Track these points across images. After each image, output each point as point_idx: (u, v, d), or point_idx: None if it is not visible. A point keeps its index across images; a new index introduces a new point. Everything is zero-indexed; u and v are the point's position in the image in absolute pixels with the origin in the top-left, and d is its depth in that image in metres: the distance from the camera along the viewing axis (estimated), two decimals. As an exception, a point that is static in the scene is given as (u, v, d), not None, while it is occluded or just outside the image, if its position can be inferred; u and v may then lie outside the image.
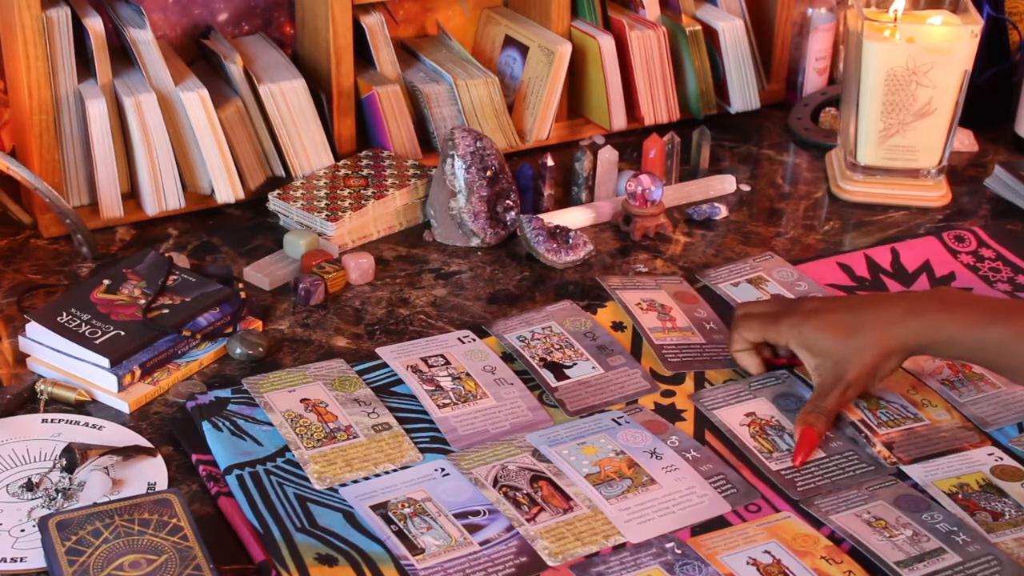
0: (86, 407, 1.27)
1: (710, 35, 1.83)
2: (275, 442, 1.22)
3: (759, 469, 1.21)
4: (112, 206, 1.54)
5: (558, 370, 1.33)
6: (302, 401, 1.26)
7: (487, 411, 1.27)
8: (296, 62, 1.68)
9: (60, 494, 1.14)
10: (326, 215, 1.53)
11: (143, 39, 1.54)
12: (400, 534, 1.11)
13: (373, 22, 1.68)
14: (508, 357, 1.35)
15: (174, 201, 1.56)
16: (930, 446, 1.25)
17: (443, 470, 1.19)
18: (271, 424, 1.23)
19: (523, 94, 1.76)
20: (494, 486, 1.17)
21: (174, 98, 1.54)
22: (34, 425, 1.24)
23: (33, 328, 1.31)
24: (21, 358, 1.32)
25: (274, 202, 1.57)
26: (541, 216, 1.57)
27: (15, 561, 1.08)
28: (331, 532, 1.12)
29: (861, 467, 1.22)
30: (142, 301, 1.35)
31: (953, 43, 1.60)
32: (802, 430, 1.24)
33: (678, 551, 1.11)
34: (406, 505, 1.15)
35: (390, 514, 1.13)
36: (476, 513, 1.14)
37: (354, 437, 1.22)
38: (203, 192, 1.59)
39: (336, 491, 1.16)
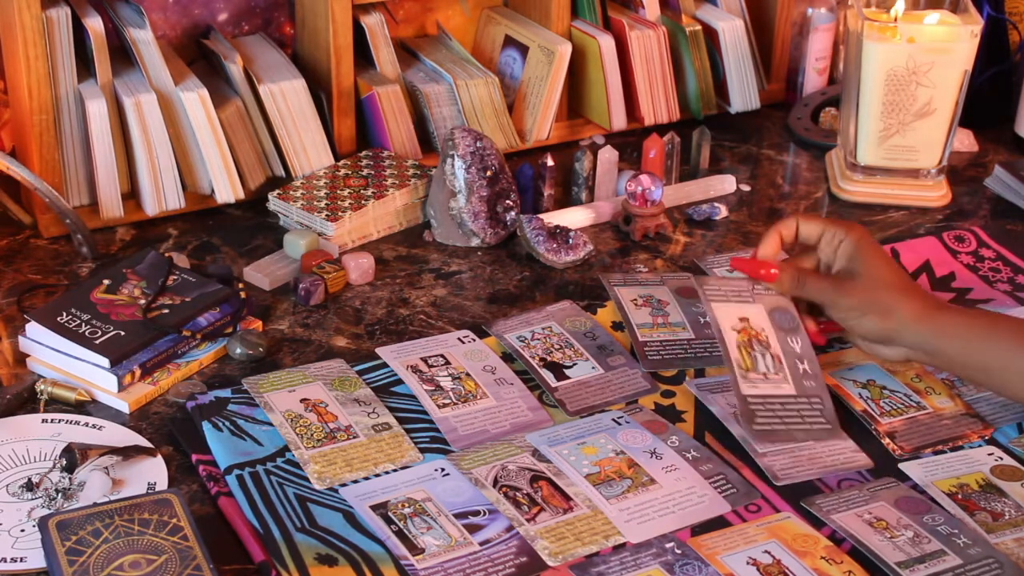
0: (86, 407, 1.27)
1: (710, 35, 1.83)
2: (275, 442, 1.22)
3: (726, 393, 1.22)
4: (112, 206, 1.54)
5: (558, 370, 1.33)
6: (302, 401, 1.26)
7: (487, 411, 1.27)
8: (296, 62, 1.68)
9: (60, 494, 1.14)
10: (326, 215, 1.53)
11: (143, 39, 1.54)
12: (400, 534, 1.11)
13: (373, 22, 1.68)
14: (508, 357, 1.35)
15: (174, 201, 1.56)
16: (932, 435, 1.25)
17: (443, 470, 1.19)
18: (271, 424, 1.23)
19: (523, 94, 1.76)
20: (494, 486, 1.17)
21: (174, 98, 1.54)
22: (34, 425, 1.24)
23: (33, 328, 1.31)
24: (21, 358, 1.32)
25: (274, 202, 1.57)
26: (541, 216, 1.57)
27: (15, 561, 1.08)
28: (331, 532, 1.12)
29: (820, 423, 1.23)
30: (142, 301, 1.35)
31: (953, 43, 1.60)
32: (773, 263, 1.27)
33: (678, 551, 1.11)
34: (406, 505, 1.15)
35: (390, 514, 1.13)
36: (476, 513, 1.14)
37: (354, 437, 1.22)
38: (203, 192, 1.59)
39: (336, 491, 1.16)
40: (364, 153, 1.66)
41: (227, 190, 1.58)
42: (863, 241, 1.27)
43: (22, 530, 1.11)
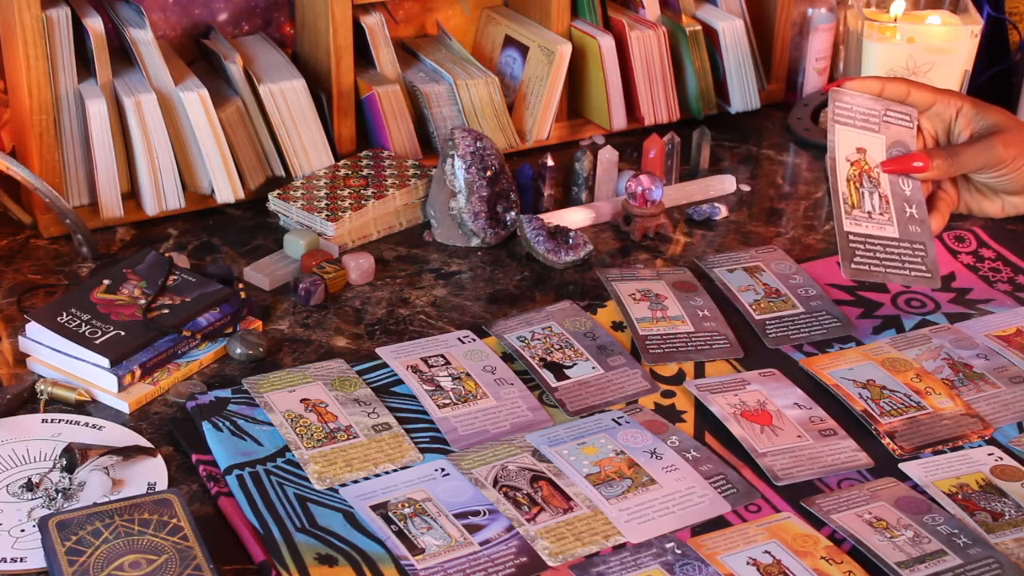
0: (86, 407, 1.27)
1: (710, 35, 1.83)
2: (275, 442, 1.22)
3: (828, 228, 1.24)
4: (112, 206, 1.54)
5: (558, 370, 1.33)
6: (302, 401, 1.26)
7: (487, 411, 1.27)
8: (296, 62, 1.68)
9: (60, 494, 1.14)
10: (326, 215, 1.53)
11: (143, 39, 1.54)
12: (400, 534, 1.11)
13: (373, 22, 1.68)
14: (508, 357, 1.35)
15: (174, 201, 1.56)
16: (932, 435, 1.25)
17: (443, 470, 1.19)
18: (271, 424, 1.23)
19: (523, 94, 1.76)
20: (494, 486, 1.17)
21: (174, 98, 1.55)
22: (34, 425, 1.24)
23: (33, 328, 1.31)
24: (21, 358, 1.32)
25: (274, 202, 1.57)
26: (541, 216, 1.57)
27: (15, 561, 1.08)
28: (331, 532, 1.12)
29: (920, 270, 1.22)
30: (142, 301, 1.35)
31: (953, 43, 1.60)
32: (920, 155, 1.25)
33: (678, 551, 1.11)
34: (406, 505, 1.15)
35: (390, 514, 1.14)
36: (476, 513, 1.14)
37: (354, 437, 1.22)
38: (203, 192, 1.59)
39: (336, 491, 1.16)
40: (364, 153, 1.66)
41: (227, 190, 1.58)
42: (979, 103, 1.27)
43: (22, 530, 1.11)
